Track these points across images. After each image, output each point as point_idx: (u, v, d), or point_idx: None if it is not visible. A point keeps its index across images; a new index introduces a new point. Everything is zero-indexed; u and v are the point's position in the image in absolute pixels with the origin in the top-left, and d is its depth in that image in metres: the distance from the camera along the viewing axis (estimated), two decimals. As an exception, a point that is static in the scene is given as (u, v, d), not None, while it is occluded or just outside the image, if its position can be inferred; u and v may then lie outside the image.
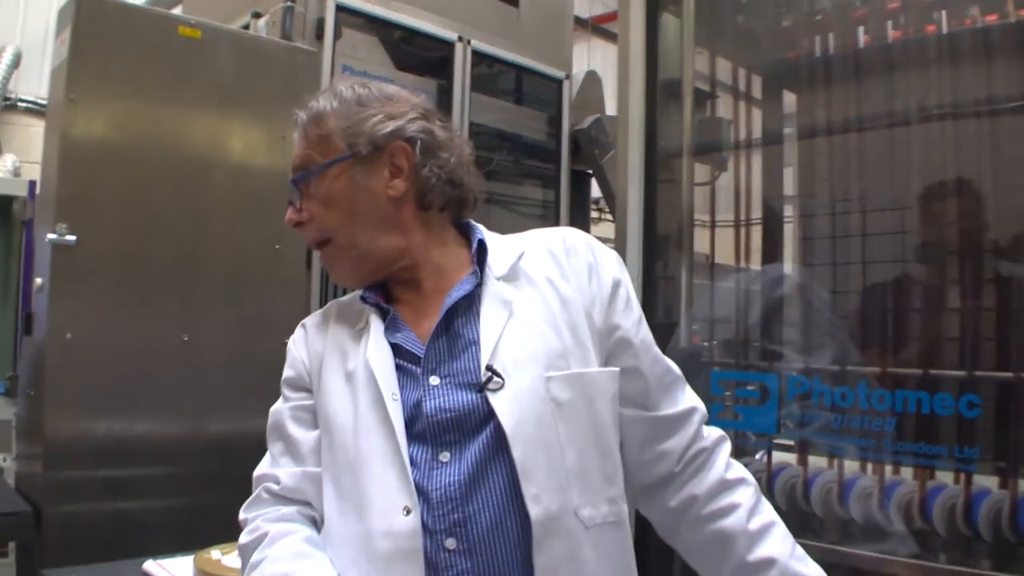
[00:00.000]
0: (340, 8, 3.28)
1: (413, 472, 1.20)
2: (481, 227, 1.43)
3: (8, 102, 5.87)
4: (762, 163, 2.28)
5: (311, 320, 1.45)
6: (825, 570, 1.29)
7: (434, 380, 1.26)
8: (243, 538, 1.33)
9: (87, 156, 2.52)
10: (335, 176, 1.33)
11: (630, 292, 1.40)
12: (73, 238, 2.44)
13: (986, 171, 2.06)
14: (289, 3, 3.14)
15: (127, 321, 2.53)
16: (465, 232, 1.43)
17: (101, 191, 2.54)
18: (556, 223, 4.19)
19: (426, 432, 1.23)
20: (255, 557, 1.28)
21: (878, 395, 1.84)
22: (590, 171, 4.44)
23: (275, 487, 1.34)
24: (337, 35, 3.28)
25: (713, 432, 1.41)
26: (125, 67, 2.58)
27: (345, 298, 1.45)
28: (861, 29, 2.22)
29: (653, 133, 2.15)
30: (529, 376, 1.24)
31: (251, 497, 1.36)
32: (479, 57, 3.80)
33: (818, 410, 1.92)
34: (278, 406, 1.41)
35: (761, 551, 1.30)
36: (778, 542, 1.32)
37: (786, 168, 2.36)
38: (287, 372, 1.42)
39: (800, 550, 1.33)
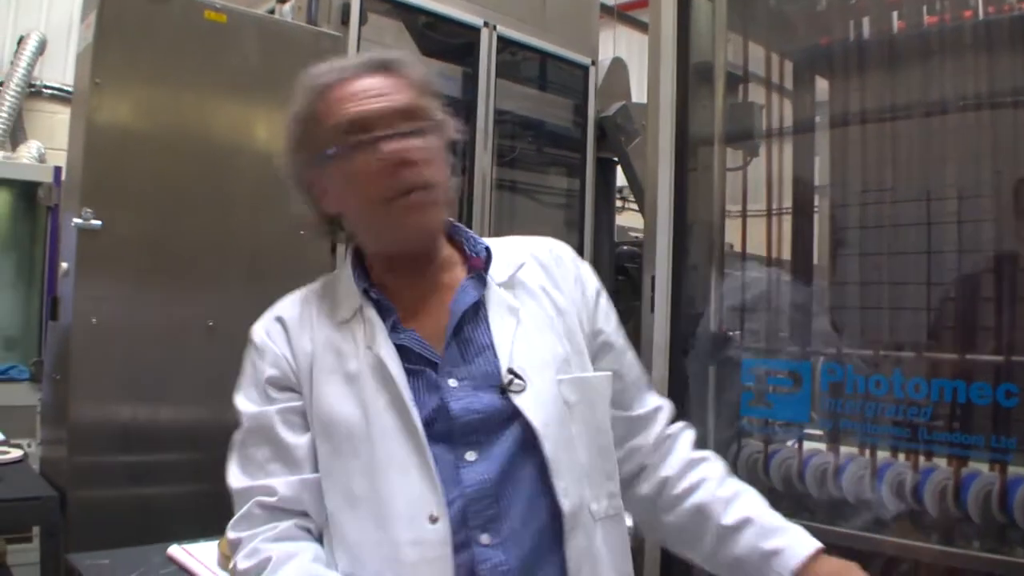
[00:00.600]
0: (365, -8, 3.26)
1: (438, 475, 1.21)
2: (461, 224, 1.45)
3: (33, 89, 5.86)
4: (793, 150, 2.24)
5: (286, 312, 1.38)
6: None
7: (452, 382, 1.27)
8: (243, 563, 1.25)
9: (112, 140, 2.52)
10: (439, 134, 1.32)
11: (608, 300, 1.47)
12: (99, 223, 2.44)
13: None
14: (314, -13, 3.13)
15: (152, 306, 2.54)
16: (447, 230, 1.43)
17: (126, 176, 2.53)
18: (581, 212, 4.17)
19: (450, 434, 1.24)
20: None
21: (913, 384, 1.81)
22: (615, 159, 4.39)
23: (269, 500, 1.27)
24: (363, 20, 3.25)
25: (677, 424, 1.48)
26: (150, 51, 2.58)
27: (317, 285, 1.42)
28: (895, 15, 2.18)
29: (684, 118, 2.11)
30: (545, 379, 1.29)
31: (240, 513, 1.28)
32: (505, 43, 3.77)
33: (851, 398, 1.90)
34: (260, 408, 1.32)
35: (737, 512, 1.34)
36: (751, 502, 1.37)
37: (817, 156, 2.32)
38: (269, 371, 1.33)
39: (774, 511, 1.36)
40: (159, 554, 1.95)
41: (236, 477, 1.31)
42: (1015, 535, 1.84)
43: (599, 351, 1.41)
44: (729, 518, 1.33)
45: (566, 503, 1.24)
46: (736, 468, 2.12)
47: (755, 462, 2.10)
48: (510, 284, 1.36)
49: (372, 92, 1.30)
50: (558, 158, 4.30)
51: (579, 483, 1.27)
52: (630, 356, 1.47)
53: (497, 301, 1.34)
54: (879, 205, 2.17)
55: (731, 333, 2.23)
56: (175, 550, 1.94)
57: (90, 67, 2.49)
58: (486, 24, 3.66)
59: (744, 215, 2.24)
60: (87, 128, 2.49)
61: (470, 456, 1.24)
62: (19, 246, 5.27)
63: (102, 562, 1.91)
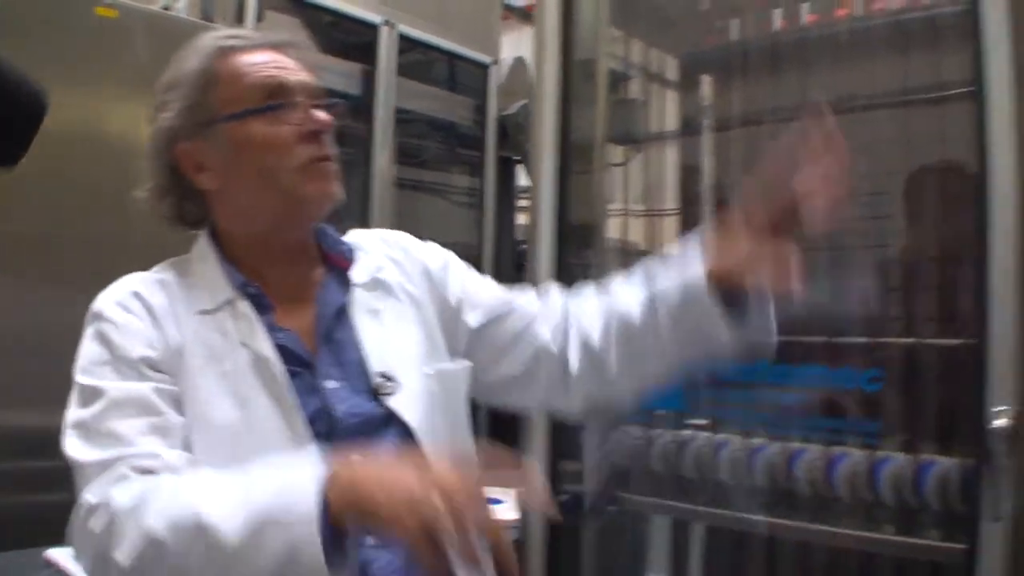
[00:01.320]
0: (262, -11, 3.22)
1: None
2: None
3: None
4: (679, 148, 2.31)
5: (146, 292, 1.28)
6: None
7: (331, 384, 1.26)
8: (122, 499, 1.06)
9: (-5, 139, 2.44)
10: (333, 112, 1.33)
11: (456, 261, 1.49)
12: (-20, 223, 2.37)
13: (896, 161, 2.11)
14: (210, -16, 3.08)
15: (44, 306, 2.46)
16: None
17: (14, 172, 2.46)
18: (482, 211, 4.19)
19: (331, 436, 1.21)
20: (164, 495, 1.06)
21: (783, 370, 1.91)
22: (517, 158, 4.43)
23: (152, 463, 1.11)
24: (259, 17, 3.21)
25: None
26: (38, 46, 2.50)
27: (171, 271, 1.34)
28: (777, 13, 2.25)
29: (568, 116, 2.15)
30: (413, 377, 1.30)
31: (103, 476, 1.10)
32: (405, 41, 3.75)
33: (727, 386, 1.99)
34: (133, 384, 1.17)
35: (652, 284, 1.35)
36: (651, 265, 1.38)
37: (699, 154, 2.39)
38: (141, 350, 1.20)
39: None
40: (37, 556, 1.90)
41: (93, 453, 1.13)
42: (883, 513, 1.94)
43: (462, 303, 1.43)
44: (657, 286, 1.33)
45: None
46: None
47: (638, 449, 2.17)
48: (371, 285, 1.37)
49: (285, 64, 1.30)
50: (461, 156, 4.31)
51: None
52: (488, 286, 1.48)
53: (360, 303, 1.34)
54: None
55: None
56: (54, 552, 1.90)
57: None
58: (386, 22, 3.65)
59: (626, 213, 2.31)
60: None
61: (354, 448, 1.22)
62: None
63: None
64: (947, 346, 1.89)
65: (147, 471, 1.10)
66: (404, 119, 3.79)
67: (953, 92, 1.84)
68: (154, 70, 2.68)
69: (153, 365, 1.20)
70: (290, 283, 1.33)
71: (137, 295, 1.26)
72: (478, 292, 1.46)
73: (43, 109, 1.74)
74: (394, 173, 3.73)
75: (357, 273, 1.36)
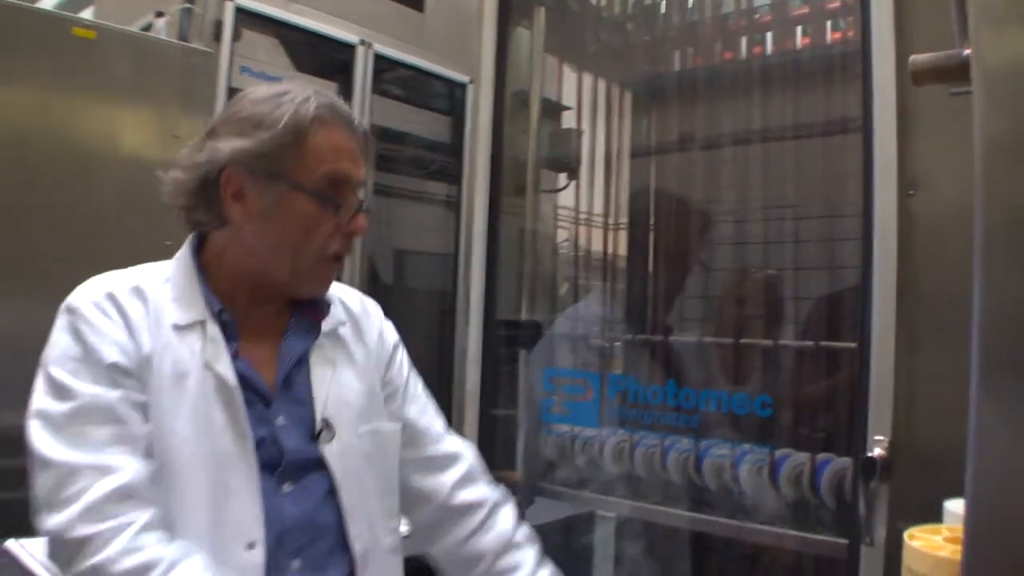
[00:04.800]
0: (239, 10, 3.33)
1: (261, 503, 1.29)
2: None
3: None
4: (605, 175, 2.43)
5: (122, 296, 1.33)
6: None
7: (281, 420, 1.36)
8: (124, 562, 1.13)
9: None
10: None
11: (404, 354, 1.62)
12: (-45, 233, 2.49)
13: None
14: (187, 4, 3.20)
15: (9, 313, 2.58)
16: None
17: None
18: (459, 217, 4.27)
19: (272, 465, 1.32)
20: None
21: (684, 394, 2.02)
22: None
23: (117, 483, 1.18)
24: (236, 36, 3.33)
25: (495, 492, 1.60)
26: (16, 66, 2.63)
27: (148, 277, 1.39)
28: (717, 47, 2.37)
29: (500, 142, 2.28)
30: (349, 431, 1.41)
31: (86, 497, 1.16)
32: (381, 61, 3.86)
33: (633, 407, 2.10)
34: (103, 389, 1.23)
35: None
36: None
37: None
38: (114, 356, 1.25)
39: None
40: (-8, 550, 2.01)
41: (60, 451, 1.18)
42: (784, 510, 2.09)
43: (389, 397, 1.53)
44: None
45: (358, 546, 1.38)
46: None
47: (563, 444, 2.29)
48: (332, 335, 1.47)
49: (356, 157, 1.40)
50: (441, 167, 4.40)
51: (371, 527, 1.42)
52: (420, 405, 1.60)
53: (320, 351, 1.44)
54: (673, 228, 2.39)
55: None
56: (11, 544, 2.01)
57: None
58: (362, 42, 3.76)
59: (554, 240, 2.45)
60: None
61: (287, 488, 1.34)
62: None
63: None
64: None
65: (116, 494, 1.16)
66: (383, 133, 3.89)
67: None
68: (131, 87, 2.85)
69: (124, 372, 1.25)
70: (259, 319, 1.41)
71: (113, 298, 1.31)
72: (416, 395, 1.61)
73: None
74: (371, 181, 3.84)
75: (326, 323, 1.46)
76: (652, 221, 2.43)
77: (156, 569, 1.14)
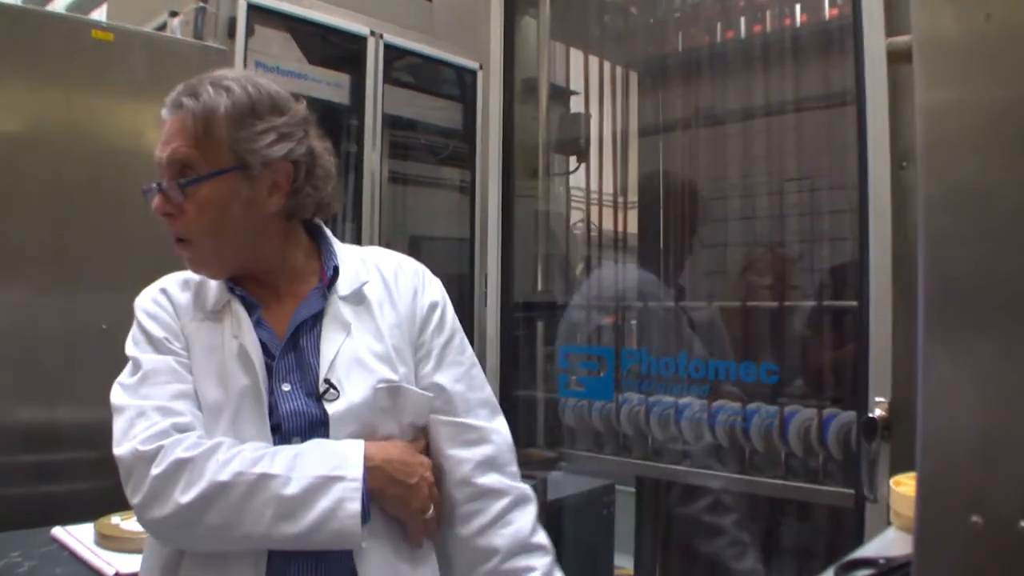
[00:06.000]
0: (252, 7, 3.40)
1: None
2: (331, 235, 1.59)
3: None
4: (614, 157, 2.49)
5: (172, 291, 1.50)
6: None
7: (286, 387, 1.43)
8: (184, 453, 1.31)
9: (3, 155, 2.65)
10: (216, 183, 1.41)
11: (444, 316, 1.58)
12: (-8, 234, 2.58)
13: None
14: (201, 3, 3.27)
15: (48, 310, 2.67)
16: (313, 234, 1.59)
17: (17, 187, 2.67)
18: (473, 202, 4.34)
19: (280, 425, 1.40)
20: (226, 454, 1.32)
21: (695, 364, 2.08)
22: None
23: (182, 420, 1.36)
24: (249, 33, 3.40)
25: (520, 485, 1.53)
26: (40, 70, 2.71)
27: (195, 276, 1.52)
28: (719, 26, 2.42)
29: (511, 129, 2.34)
30: (360, 388, 1.43)
31: (149, 426, 1.34)
32: (392, 50, 3.93)
33: (646, 378, 2.17)
34: (160, 357, 1.41)
35: None
36: None
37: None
38: (165, 333, 1.44)
39: None
40: (43, 535, 2.12)
41: (131, 401, 1.38)
42: (795, 463, 2.15)
43: (422, 359, 1.52)
44: None
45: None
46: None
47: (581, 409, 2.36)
48: (353, 298, 1.50)
49: (166, 136, 1.49)
50: (453, 153, 4.46)
51: None
52: (459, 371, 1.54)
53: (332, 315, 1.48)
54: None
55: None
56: (58, 531, 2.11)
57: (-23, 86, 2.64)
58: (372, 33, 3.83)
59: (567, 221, 2.51)
60: (-24, 145, 2.64)
61: (295, 441, 1.40)
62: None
63: (-12, 543, 2.07)
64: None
65: (183, 428, 1.35)
66: (397, 122, 3.97)
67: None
68: (149, 84, 2.93)
69: (171, 344, 1.44)
70: (268, 294, 1.50)
71: (164, 292, 1.50)
72: (456, 361, 1.56)
73: None
74: (387, 169, 3.93)
75: (342, 285, 1.51)
76: (661, 198, 2.48)
77: (222, 447, 1.33)
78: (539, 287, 2.37)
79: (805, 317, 2.20)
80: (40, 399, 2.64)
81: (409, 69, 4.20)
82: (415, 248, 4.22)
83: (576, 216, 2.70)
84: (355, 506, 1.31)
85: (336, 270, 1.51)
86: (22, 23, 2.70)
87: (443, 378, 1.52)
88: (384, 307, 1.52)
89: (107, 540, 2.00)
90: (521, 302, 2.38)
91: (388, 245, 4.21)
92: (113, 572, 1.87)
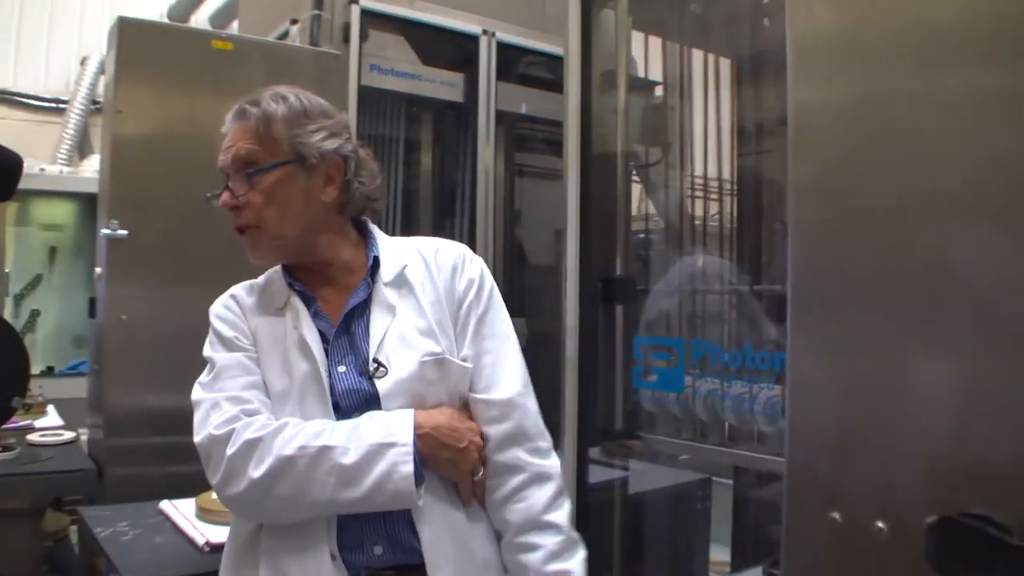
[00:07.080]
0: (365, 12, 3.55)
1: None
2: (376, 229, 1.71)
3: (96, 106, 6.34)
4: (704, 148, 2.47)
5: (241, 296, 1.66)
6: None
7: (341, 368, 1.55)
8: (253, 433, 1.44)
9: (133, 160, 2.88)
10: (278, 173, 1.57)
11: (481, 292, 1.65)
12: (124, 232, 2.79)
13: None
14: (316, 12, 3.43)
15: (174, 304, 2.85)
16: (361, 230, 1.70)
17: (148, 190, 2.88)
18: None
19: (338, 403, 1.52)
20: (291, 432, 1.44)
21: (760, 356, 2.06)
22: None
23: (253, 407, 1.49)
24: (363, 37, 3.55)
25: (540, 462, 1.57)
26: (165, 80, 2.92)
27: (260, 280, 1.69)
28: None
29: (588, 124, 2.36)
30: (407, 363, 1.54)
31: (223, 415, 1.46)
32: (504, 48, 4.01)
33: (714, 370, 2.16)
34: (231, 354, 1.55)
35: None
36: None
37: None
38: (235, 333, 1.58)
39: None
40: (153, 508, 2.31)
41: (207, 395, 1.51)
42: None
43: (460, 330, 1.62)
44: None
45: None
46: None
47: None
48: (396, 283, 1.62)
49: (228, 143, 1.67)
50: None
51: None
52: (485, 345, 1.61)
53: (379, 301, 1.60)
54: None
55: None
56: (165, 504, 2.29)
57: (112, 97, 2.86)
58: (484, 32, 3.92)
59: (645, 217, 2.51)
60: (112, 150, 2.87)
61: (354, 416, 1.51)
62: (85, 253, 5.73)
63: (104, 513, 2.28)
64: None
65: (251, 413, 1.47)
66: (503, 120, 4.05)
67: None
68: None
69: (241, 343, 1.58)
70: (323, 286, 1.64)
71: (234, 297, 1.66)
72: (487, 335, 1.64)
73: (19, 168, 2.75)
74: (502, 163, 4.03)
75: (384, 272, 1.63)
76: (750, 187, 2.46)
77: (288, 426, 1.45)
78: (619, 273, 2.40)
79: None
80: (166, 386, 2.83)
81: (525, 65, 4.26)
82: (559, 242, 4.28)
83: (656, 207, 2.70)
84: (408, 468, 1.42)
85: (376, 260, 1.63)
86: (150, 36, 2.91)
87: (473, 352, 1.61)
88: (425, 286, 1.63)
89: (206, 512, 2.17)
90: (599, 288, 2.39)
91: (519, 239, 4.30)
92: (204, 541, 2.02)
